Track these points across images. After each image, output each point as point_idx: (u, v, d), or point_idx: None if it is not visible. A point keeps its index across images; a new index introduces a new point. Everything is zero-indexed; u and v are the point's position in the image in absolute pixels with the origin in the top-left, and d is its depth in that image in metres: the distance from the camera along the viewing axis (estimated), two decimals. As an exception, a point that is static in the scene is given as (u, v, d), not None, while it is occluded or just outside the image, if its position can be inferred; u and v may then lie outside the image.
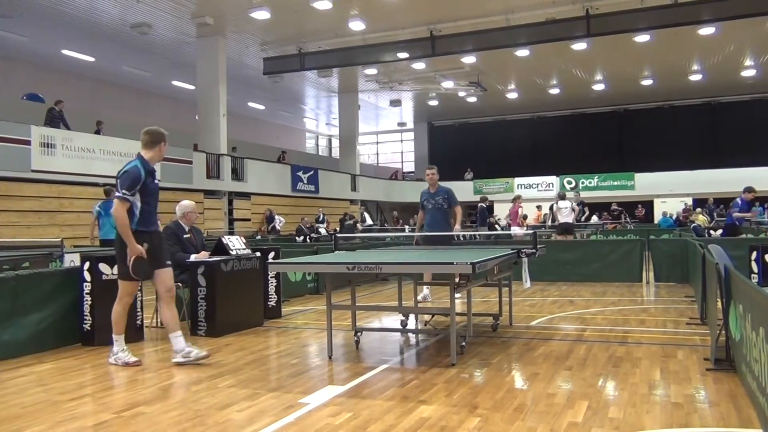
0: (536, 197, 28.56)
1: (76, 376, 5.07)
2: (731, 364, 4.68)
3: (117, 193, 5.20)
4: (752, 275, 7.61)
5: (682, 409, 3.84)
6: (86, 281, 6.26)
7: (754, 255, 7.75)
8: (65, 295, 6.24)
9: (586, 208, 17.35)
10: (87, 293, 6.26)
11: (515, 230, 14.82)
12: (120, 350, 5.35)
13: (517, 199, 16.30)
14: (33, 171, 13.91)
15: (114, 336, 5.38)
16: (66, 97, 17.88)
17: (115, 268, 6.30)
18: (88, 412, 4.07)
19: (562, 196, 15.44)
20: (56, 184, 14.49)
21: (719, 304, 4.83)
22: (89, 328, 6.24)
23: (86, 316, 6.25)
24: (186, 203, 7.31)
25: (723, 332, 4.81)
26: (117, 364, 5.30)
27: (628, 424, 3.59)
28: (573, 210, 15.06)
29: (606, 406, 3.95)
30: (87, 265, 6.28)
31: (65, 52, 20.57)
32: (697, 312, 7.24)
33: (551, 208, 16.28)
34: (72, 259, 8.31)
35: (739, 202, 12.15)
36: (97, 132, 16.85)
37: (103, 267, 6.28)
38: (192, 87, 22.95)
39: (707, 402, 4.01)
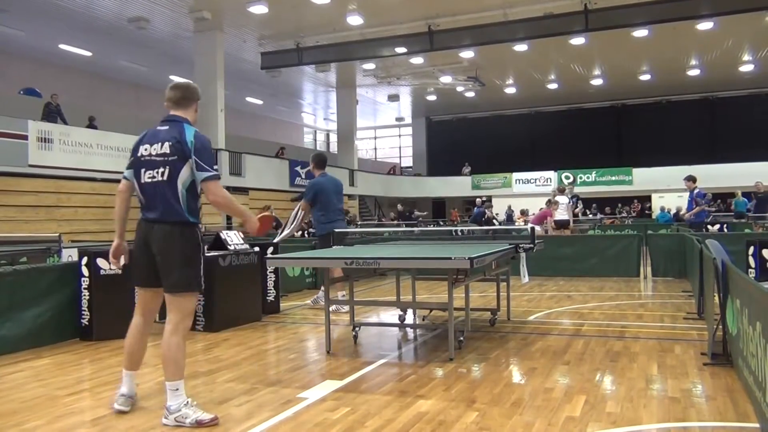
0: (534, 192, 28.60)
1: (74, 371, 5.08)
2: (728, 359, 4.69)
3: (207, 173, 3.71)
4: (749, 270, 7.62)
5: (679, 404, 3.86)
6: (84, 276, 6.26)
7: (751, 250, 7.77)
8: (63, 290, 6.24)
9: (580, 202, 17.32)
10: (85, 288, 6.26)
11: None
12: (183, 405, 3.64)
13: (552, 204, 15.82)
14: (30, 166, 13.86)
15: (173, 383, 3.65)
16: (63, 91, 17.83)
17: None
18: (86, 407, 4.08)
19: (561, 191, 15.38)
20: (54, 179, 14.44)
21: (716, 299, 4.84)
22: (87, 324, 6.25)
23: (84, 311, 6.25)
24: None
25: (720, 327, 4.82)
26: (183, 424, 3.58)
27: (625, 419, 3.60)
28: (570, 206, 14.98)
29: (603, 400, 3.96)
30: (85, 260, 6.29)
31: (62, 46, 20.49)
32: (695, 307, 7.26)
33: (548, 202, 16.15)
34: (70, 254, 8.31)
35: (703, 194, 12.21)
36: (91, 126, 16.80)
37: (101, 262, 6.27)
38: (189, 82, 22.88)
39: (704, 396, 4.02)
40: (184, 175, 3.73)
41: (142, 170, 3.79)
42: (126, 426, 3.66)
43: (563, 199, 14.83)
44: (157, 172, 3.74)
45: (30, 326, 5.86)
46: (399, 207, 27.49)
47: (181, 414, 3.61)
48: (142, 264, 3.81)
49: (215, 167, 3.81)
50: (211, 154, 3.83)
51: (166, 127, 3.82)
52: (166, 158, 3.72)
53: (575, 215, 17.19)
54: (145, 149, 3.80)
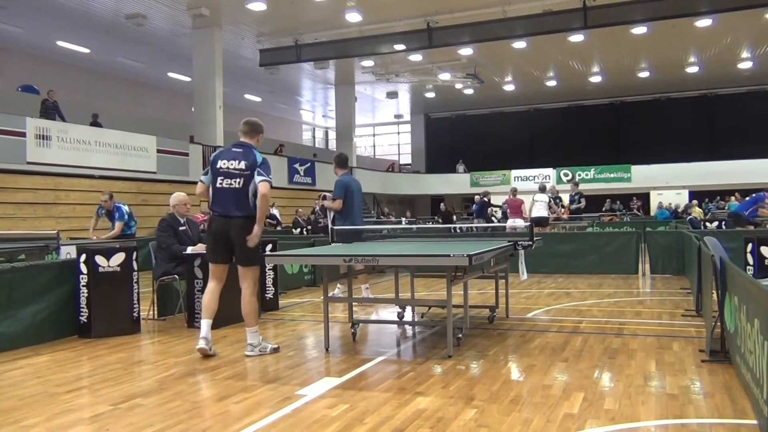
0: (533, 189, 28.56)
1: (73, 368, 5.08)
2: (726, 356, 4.70)
3: (262, 177, 5.19)
4: (747, 267, 7.62)
5: (677, 401, 3.86)
6: (82, 273, 6.25)
7: (749, 247, 7.77)
8: (61, 287, 6.23)
9: (583, 199, 17.34)
10: (83, 285, 6.25)
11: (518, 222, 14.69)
12: (261, 340, 5.40)
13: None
14: (28, 163, 13.84)
15: (252, 328, 5.33)
16: (61, 88, 17.81)
17: (113, 259, 6.32)
18: (84, 404, 4.08)
19: (541, 189, 15.50)
20: (52, 176, 14.43)
21: (715, 296, 4.85)
22: (86, 321, 6.24)
23: (83, 308, 6.25)
24: (177, 195, 7.31)
25: (718, 324, 4.83)
26: (265, 353, 5.31)
27: (623, 416, 3.60)
28: (550, 204, 15.12)
29: (602, 397, 3.97)
30: (83, 257, 6.28)
31: (60, 43, 20.46)
32: (693, 304, 7.27)
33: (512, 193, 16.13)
34: (68, 252, 8.30)
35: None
36: (94, 124, 16.79)
37: (100, 259, 6.27)
38: (188, 79, 22.86)
39: (702, 393, 4.03)
40: (253, 184, 5.25)
41: (219, 178, 5.30)
42: (124, 423, 3.66)
43: (541, 197, 14.93)
44: (235, 181, 5.26)
45: (28, 323, 5.86)
46: (442, 206, 24.89)
47: (262, 346, 5.35)
48: (220, 247, 5.35)
49: (270, 176, 5.28)
50: (269, 168, 5.33)
51: (241, 150, 5.36)
52: (242, 172, 5.26)
53: (578, 211, 17.24)
54: (224, 163, 5.31)
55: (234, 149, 5.39)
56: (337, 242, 7.55)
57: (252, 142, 5.46)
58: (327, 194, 8.90)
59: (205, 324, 5.31)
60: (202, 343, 5.25)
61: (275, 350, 5.40)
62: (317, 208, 18.06)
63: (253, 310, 5.33)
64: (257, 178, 5.22)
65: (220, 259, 5.41)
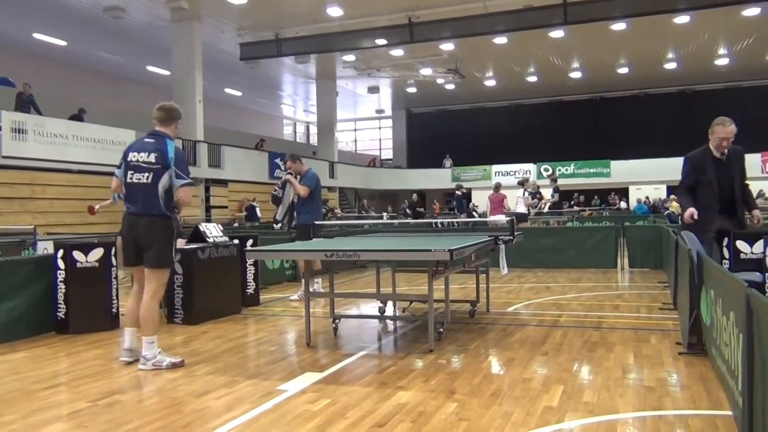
0: (514, 184, 28.68)
1: (51, 364, 5.02)
2: (702, 348, 4.77)
3: (182, 180, 4.77)
4: (723, 261, 7.73)
5: (655, 393, 3.92)
6: (60, 269, 6.19)
7: (725, 241, 7.87)
8: (38, 283, 6.16)
9: (557, 194, 17.43)
10: (61, 281, 6.18)
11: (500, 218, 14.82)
12: (158, 353, 4.75)
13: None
14: (4, 157, 13.61)
15: (149, 338, 4.72)
16: (38, 82, 17.51)
17: (91, 255, 6.26)
18: (62, 401, 4.03)
19: (521, 184, 15.63)
20: (28, 170, 14.21)
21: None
22: (63, 317, 6.18)
23: (60, 304, 6.18)
24: None
25: (694, 317, 4.89)
26: (160, 367, 4.68)
27: (602, 408, 3.65)
28: (531, 198, 15.30)
29: (581, 390, 4.01)
30: (60, 252, 6.20)
31: (36, 35, 20.12)
32: (670, 297, 7.37)
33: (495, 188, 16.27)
34: (45, 247, 8.21)
35: None
36: (78, 119, 16.54)
37: (77, 255, 6.20)
38: (167, 72, 22.61)
39: (679, 385, 4.09)
40: (164, 180, 4.77)
41: (129, 172, 4.84)
42: (103, 419, 3.63)
43: (521, 193, 15.08)
44: (143, 176, 4.78)
45: (4, 319, 5.78)
46: (414, 197, 23.94)
47: (157, 360, 4.72)
48: (130, 247, 4.87)
49: (189, 175, 4.88)
50: (186, 164, 4.92)
51: (153, 140, 4.86)
52: (151, 166, 4.77)
53: (553, 205, 17.39)
54: (134, 156, 4.83)
55: (146, 140, 4.88)
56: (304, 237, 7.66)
57: (167, 130, 4.91)
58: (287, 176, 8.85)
59: (128, 333, 4.93)
60: (124, 356, 4.90)
61: (176, 365, 4.76)
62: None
63: (151, 317, 4.75)
64: (176, 182, 4.77)
65: (131, 261, 4.91)
